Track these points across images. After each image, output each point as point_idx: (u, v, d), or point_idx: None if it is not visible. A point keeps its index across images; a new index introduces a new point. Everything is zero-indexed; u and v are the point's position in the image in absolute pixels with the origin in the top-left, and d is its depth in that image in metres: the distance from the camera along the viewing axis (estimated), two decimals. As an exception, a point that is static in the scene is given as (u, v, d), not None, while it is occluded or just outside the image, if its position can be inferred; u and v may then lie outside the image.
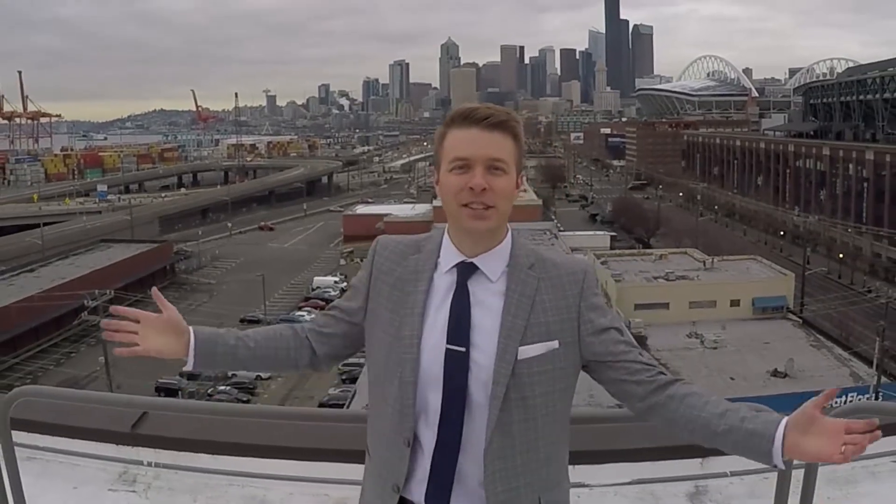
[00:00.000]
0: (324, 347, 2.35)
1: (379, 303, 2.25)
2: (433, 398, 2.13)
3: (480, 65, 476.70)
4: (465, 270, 2.18)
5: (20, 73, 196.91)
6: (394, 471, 2.17)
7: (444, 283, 2.19)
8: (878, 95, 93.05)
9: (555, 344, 2.14)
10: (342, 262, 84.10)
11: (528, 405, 2.12)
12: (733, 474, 4.06)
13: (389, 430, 2.18)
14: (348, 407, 34.12)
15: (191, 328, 2.28)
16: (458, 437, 2.11)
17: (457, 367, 2.11)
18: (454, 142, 2.15)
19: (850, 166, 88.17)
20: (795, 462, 2.94)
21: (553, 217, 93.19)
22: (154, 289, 2.36)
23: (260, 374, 47.50)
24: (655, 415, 2.15)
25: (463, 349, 2.12)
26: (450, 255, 2.21)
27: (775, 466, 2.03)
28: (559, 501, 2.25)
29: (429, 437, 2.14)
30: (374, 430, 2.27)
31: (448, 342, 2.13)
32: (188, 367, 2.29)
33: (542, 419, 2.15)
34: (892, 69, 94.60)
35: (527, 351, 2.11)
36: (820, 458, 1.94)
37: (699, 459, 4.08)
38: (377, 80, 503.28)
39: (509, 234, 2.24)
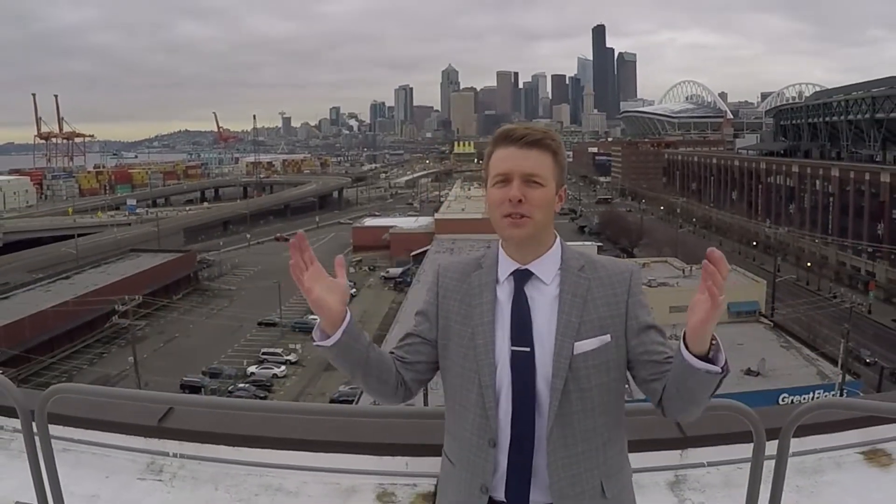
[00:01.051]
0: (409, 373, 2.27)
1: (449, 317, 2.25)
2: (504, 398, 2.13)
3: (478, 89, 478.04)
4: (522, 277, 2.19)
5: (56, 96, 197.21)
6: (479, 472, 2.15)
7: (505, 292, 2.20)
8: (842, 117, 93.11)
9: (607, 337, 2.15)
10: (352, 270, 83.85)
11: (585, 396, 2.12)
12: (710, 464, 4.06)
13: (471, 434, 2.17)
14: (357, 402, 34.12)
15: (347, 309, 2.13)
16: (532, 433, 2.11)
17: (524, 367, 2.12)
18: (496, 160, 2.18)
19: (817, 182, 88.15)
20: (767, 452, 2.95)
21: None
22: (338, 257, 2.19)
23: (276, 374, 47.67)
24: (665, 405, 2.12)
25: (528, 349, 2.12)
26: (506, 266, 2.22)
27: (708, 374, 1.94)
28: (621, 486, 2.23)
29: (503, 436, 2.13)
30: (456, 438, 2.24)
31: (512, 344, 2.13)
32: (331, 342, 2.08)
33: (599, 408, 2.15)
34: (855, 93, 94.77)
35: (582, 346, 2.12)
36: (706, 319, 1.87)
37: (678, 451, 4.08)
38: (384, 103, 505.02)
39: (558, 240, 2.25)
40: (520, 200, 2.11)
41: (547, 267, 2.20)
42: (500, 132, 2.22)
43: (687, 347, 1.96)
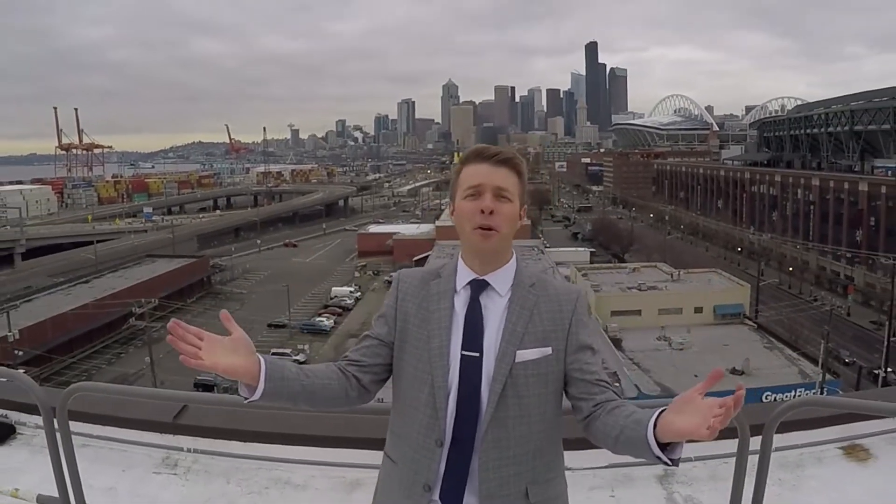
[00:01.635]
0: (367, 376, 2.22)
1: (407, 320, 2.23)
2: (451, 400, 2.12)
3: (477, 102, 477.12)
4: (478, 286, 2.19)
5: (76, 109, 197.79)
6: (423, 471, 2.12)
7: (461, 300, 2.20)
8: (822, 129, 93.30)
9: (548, 350, 2.13)
10: (356, 274, 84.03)
11: (522, 403, 2.10)
12: (697, 459, 4.06)
13: (418, 434, 2.14)
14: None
15: (259, 354, 2.03)
16: (473, 435, 2.09)
17: (472, 371, 2.11)
18: (468, 175, 2.19)
19: (799, 191, 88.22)
20: (751, 447, 2.95)
21: (540, 235, 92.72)
22: (223, 312, 2.07)
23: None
24: (590, 427, 2.08)
25: (477, 354, 2.12)
26: (464, 276, 2.22)
27: (658, 459, 1.86)
28: (550, 496, 2.18)
29: (447, 437, 2.12)
30: (401, 438, 2.21)
31: (463, 349, 2.13)
32: (258, 394, 2.02)
33: (535, 416, 2.12)
34: (834, 107, 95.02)
35: (524, 355, 2.11)
36: (687, 433, 1.76)
37: (667, 446, 4.07)
38: (387, 115, 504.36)
39: (514, 257, 2.26)
40: (491, 212, 2.12)
41: (502, 279, 2.20)
42: (472, 150, 2.24)
43: (655, 428, 1.85)
